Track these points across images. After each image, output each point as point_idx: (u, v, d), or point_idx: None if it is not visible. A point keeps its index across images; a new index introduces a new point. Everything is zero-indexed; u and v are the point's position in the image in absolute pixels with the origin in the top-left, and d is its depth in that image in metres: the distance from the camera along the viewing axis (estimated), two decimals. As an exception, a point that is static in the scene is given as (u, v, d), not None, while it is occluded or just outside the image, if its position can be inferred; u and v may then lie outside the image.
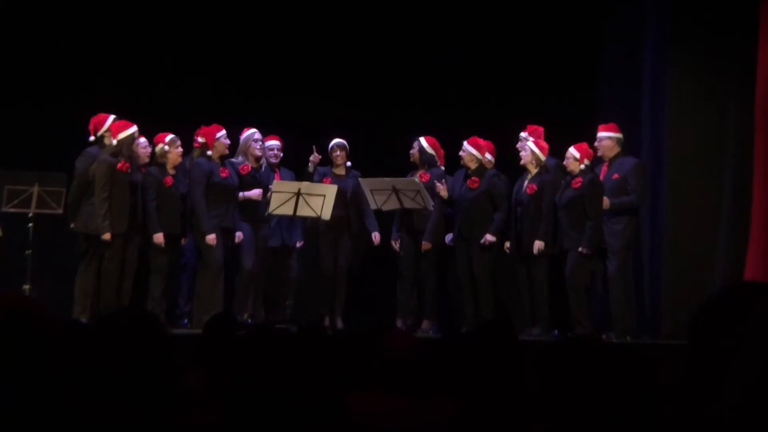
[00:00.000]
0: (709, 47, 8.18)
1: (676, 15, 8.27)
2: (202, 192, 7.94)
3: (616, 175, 7.93)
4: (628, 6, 8.93)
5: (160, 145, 8.00)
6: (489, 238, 8.18)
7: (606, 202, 7.83)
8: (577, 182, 7.89)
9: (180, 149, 8.06)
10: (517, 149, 8.23)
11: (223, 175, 8.05)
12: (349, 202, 8.46)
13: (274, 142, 8.47)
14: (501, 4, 9.44)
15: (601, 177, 8.01)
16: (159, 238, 7.86)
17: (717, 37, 8.10)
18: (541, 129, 8.24)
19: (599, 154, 8.05)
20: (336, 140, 8.54)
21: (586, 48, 9.33)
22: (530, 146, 8.08)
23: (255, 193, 8.18)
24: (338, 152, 8.52)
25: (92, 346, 2.20)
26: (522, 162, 8.13)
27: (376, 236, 8.52)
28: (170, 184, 7.98)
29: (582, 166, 7.89)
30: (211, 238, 7.89)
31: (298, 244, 8.57)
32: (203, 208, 7.92)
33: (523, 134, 8.25)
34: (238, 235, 8.14)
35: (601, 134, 8.05)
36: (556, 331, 7.92)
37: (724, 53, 8.12)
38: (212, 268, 7.93)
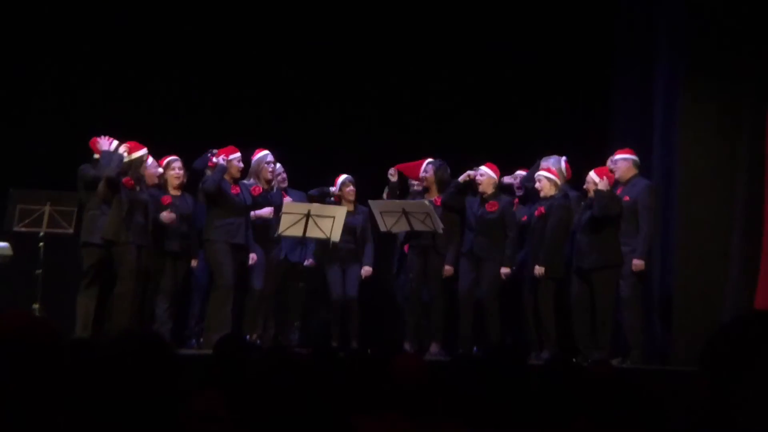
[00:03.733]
0: (722, 74, 8.16)
1: (689, 41, 8.26)
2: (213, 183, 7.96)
3: (626, 198, 7.93)
4: (641, 31, 8.94)
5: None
6: (504, 271, 8.22)
7: (640, 264, 7.79)
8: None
9: (177, 171, 8.07)
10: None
11: (234, 191, 8.09)
12: (358, 238, 8.50)
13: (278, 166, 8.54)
14: (514, 28, 9.47)
15: None
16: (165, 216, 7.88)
17: (729, 64, 8.08)
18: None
19: (616, 176, 8.04)
20: (345, 176, 8.62)
21: (598, 73, 9.37)
22: (543, 175, 8.09)
23: (266, 211, 8.21)
24: (350, 187, 8.61)
25: (101, 367, 2.19)
26: (540, 191, 8.16)
27: (366, 270, 8.54)
28: (167, 202, 8.01)
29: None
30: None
31: (306, 262, 8.59)
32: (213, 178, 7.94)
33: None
34: (252, 257, 8.16)
35: (617, 157, 8.06)
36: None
37: (736, 80, 8.10)
38: (223, 288, 7.93)
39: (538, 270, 8.00)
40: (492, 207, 8.30)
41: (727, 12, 8.00)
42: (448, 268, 8.33)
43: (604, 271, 7.81)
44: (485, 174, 8.36)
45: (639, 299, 7.90)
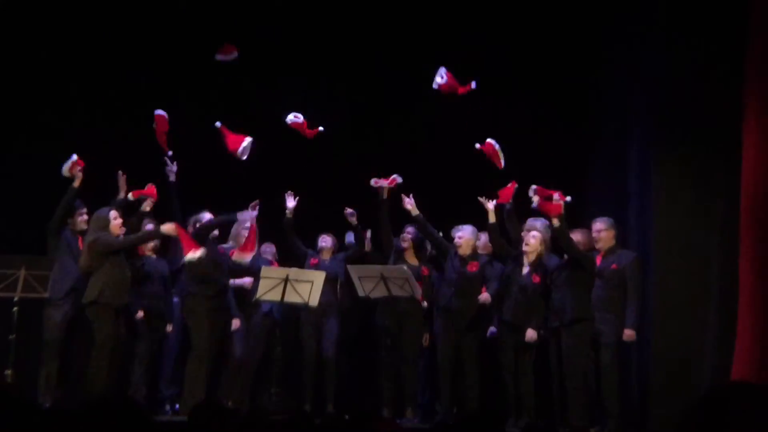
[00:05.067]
0: (695, 139, 8.26)
1: (661, 107, 8.39)
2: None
3: (614, 266, 7.98)
4: (618, 98, 9.07)
5: None
6: (493, 330, 8.24)
7: (631, 334, 7.83)
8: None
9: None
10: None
11: (219, 250, 8.10)
12: (341, 284, 8.48)
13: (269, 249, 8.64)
14: (489, 86, 9.59)
15: (598, 265, 8.05)
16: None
17: (702, 130, 8.19)
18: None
19: (598, 246, 8.11)
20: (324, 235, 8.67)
21: (575, 136, 9.46)
22: (534, 236, 8.11)
23: (246, 281, 8.20)
24: (329, 242, 8.62)
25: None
26: (525, 250, 8.13)
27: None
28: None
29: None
30: (166, 228, 7.74)
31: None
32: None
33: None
34: (235, 323, 8.14)
35: (600, 226, 8.12)
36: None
37: (709, 144, 8.21)
38: (199, 352, 7.87)
39: (531, 334, 7.99)
40: (473, 267, 8.34)
41: (699, 76, 8.13)
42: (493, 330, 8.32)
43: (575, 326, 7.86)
44: (463, 236, 8.38)
45: (617, 367, 7.89)
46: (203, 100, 9.40)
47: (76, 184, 7.89)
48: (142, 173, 8.16)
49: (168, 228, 7.64)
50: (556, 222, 7.82)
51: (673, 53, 8.30)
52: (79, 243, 7.84)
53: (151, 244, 8.14)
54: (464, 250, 8.38)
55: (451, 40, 9.50)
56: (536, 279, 8.09)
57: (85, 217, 7.93)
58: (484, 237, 8.53)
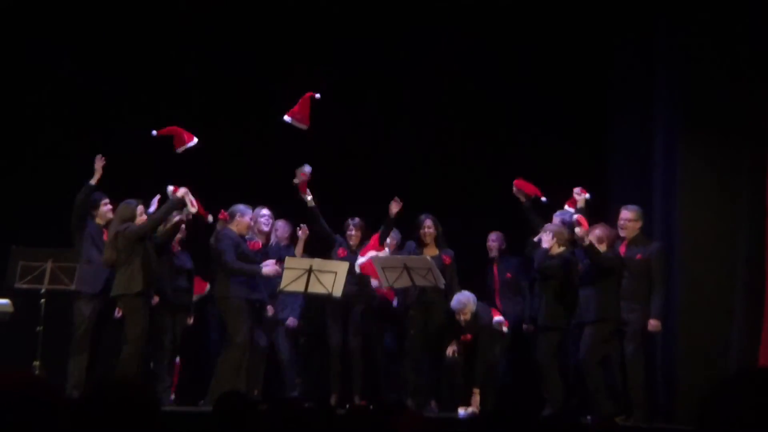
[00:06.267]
0: (720, 131, 8.21)
1: (686, 99, 8.33)
2: (234, 257, 7.92)
3: (639, 256, 7.95)
4: (638, 89, 9.02)
5: None
6: (503, 324, 8.27)
7: (656, 324, 7.82)
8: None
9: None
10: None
11: (253, 248, 8.13)
12: (360, 275, 8.47)
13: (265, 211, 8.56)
14: (509, 88, 9.55)
15: (622, 254, 8.03)
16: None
17: (727, 121, 8.13)
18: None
19: (623, 234, 8.08)
20: (355, 219, 8.62)
21: (594, 132, 9.41)
22: (546, 236, 8.11)
23: (272, 269, 8.09)
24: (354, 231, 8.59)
25: (80, 419, 2.16)
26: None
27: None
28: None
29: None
30: (268, 269, 7.84)
31: (289, 322, 8.55)
32: (242, 265, 7.91)
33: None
34: (270, 309, 8.22)
35: (629, 215, 8.09)
36: (588, 418, 7.72)
37: (735, 136, 8.15)
38: (239, 346, 7.82)
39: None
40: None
41: (725, 68, 8.07)
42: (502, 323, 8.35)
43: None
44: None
45: (643, 358, 7.86)
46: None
47: (94, 181, 7.88)
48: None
49: (181, 192, 7.60)
50: (585, 240, 7.79)
51: (698, 44, 8.23)
52: (104, 236, 7.85)
53: (178, 236, 8.12)
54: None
55: (465, 29, 9.50)
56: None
57: (110, 206, 7.94)
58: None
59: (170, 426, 5.98)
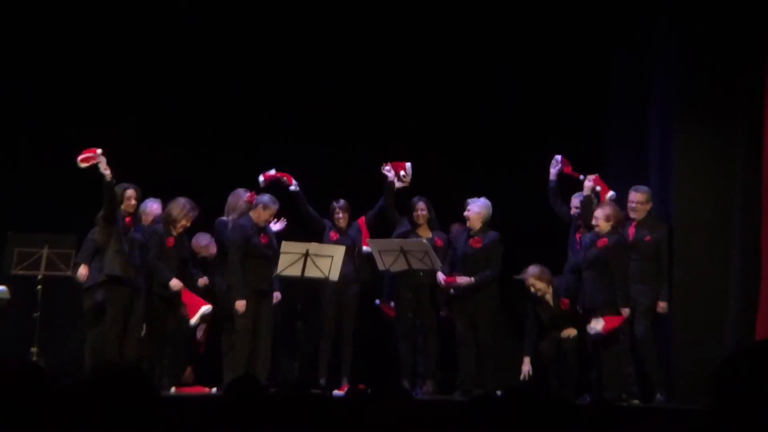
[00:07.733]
0: (716, 113, 8.21)
1: (683, 82, 8.30)
2: (240, 257, 7.93)
3: (648, 238, 7.96)
4: (634, 73, 8.99)
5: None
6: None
7: (665, 306, 7.91)
8: (603, 242, 7.88)
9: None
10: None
11: (264, 241, 8.09)
12: (357, 254, 8.47)
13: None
14: (507, 72, 9.51)
15: (630, 237, 8.02)
16: (175, 285, 7.86)
17: (723, 103, 8.13)
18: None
19: (633, 215, 8.08)
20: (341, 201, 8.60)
21: (591, 115, 9.38)
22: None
23: (178, 285, 7.96)
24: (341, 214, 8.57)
25: (78, 403, 2.16)
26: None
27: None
28: (171, 245, 8.00)
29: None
30: (240, 304, 7.85)
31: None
32: (239, 274, 7.90)
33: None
34: (276, 296, 8.22)
35: (641, 197, 8.08)
36: (587, 397, 7.76)
37: (730, 118, 8.15)
38: (242, 332, 7.89)
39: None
40: (477, 243, 8.30)
41: (721, 51, 8.06)
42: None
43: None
44: (472, 210, 8.35)
45: (653, 338, 7.89)
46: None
47: (108, 177, 7.78)
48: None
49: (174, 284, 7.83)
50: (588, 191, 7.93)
51: (695, 28, 8.22)
52: (127, 222, 7.85)
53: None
54: (472, 223, 8.35)
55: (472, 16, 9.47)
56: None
57: (133, 191, 7.90)
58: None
59: (173, 412, 6.01)
